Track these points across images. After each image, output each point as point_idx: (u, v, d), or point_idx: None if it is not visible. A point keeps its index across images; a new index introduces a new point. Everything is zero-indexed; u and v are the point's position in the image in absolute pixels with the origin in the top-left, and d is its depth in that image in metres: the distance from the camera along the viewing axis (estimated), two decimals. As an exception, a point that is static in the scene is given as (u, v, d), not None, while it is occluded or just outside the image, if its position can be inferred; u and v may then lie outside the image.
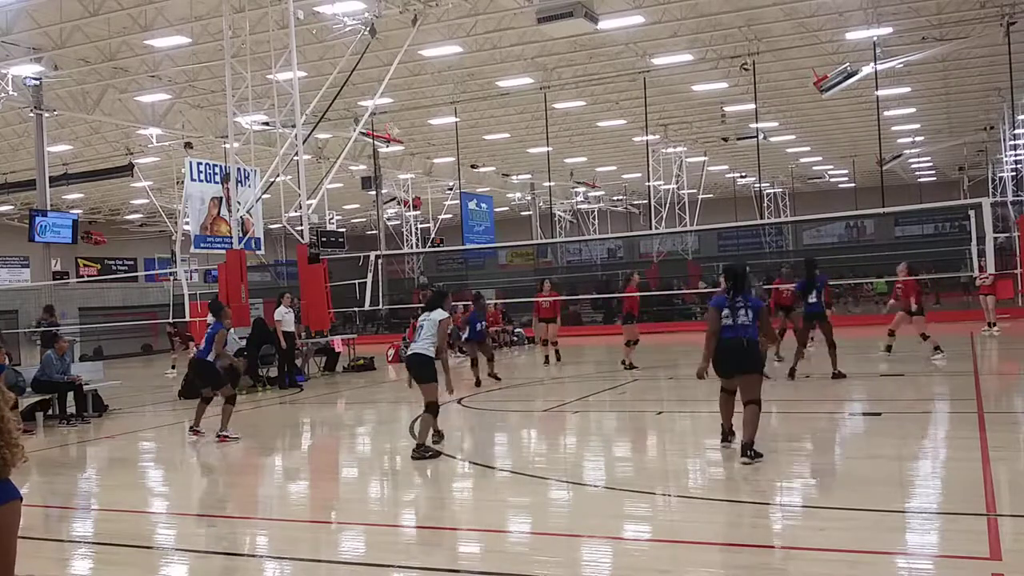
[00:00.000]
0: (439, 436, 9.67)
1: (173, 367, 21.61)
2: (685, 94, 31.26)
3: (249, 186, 20.42)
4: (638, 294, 18.42)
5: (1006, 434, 9.04)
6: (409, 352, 9.64)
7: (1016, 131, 34.49)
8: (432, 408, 9.21)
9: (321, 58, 24.09)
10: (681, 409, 12.74)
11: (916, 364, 16.79)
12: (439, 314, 9.49)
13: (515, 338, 25.92)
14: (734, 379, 8.52)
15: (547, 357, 19.04)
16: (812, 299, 14.53)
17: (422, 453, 8.99)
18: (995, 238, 16.84)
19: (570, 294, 32.10)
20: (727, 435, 8.78)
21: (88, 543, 6.78)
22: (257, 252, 22.31)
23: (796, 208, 53.46)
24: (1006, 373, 15.50)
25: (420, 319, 9.73)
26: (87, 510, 8.13)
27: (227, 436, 10.90)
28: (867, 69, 24.50)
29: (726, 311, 8.43)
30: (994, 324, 20.50)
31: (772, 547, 5.65)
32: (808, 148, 44.36)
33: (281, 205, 20.17)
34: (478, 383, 15.36)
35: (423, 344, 9.38)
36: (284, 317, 17.09)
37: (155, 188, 36.36)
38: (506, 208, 49.89)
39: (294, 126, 18.96)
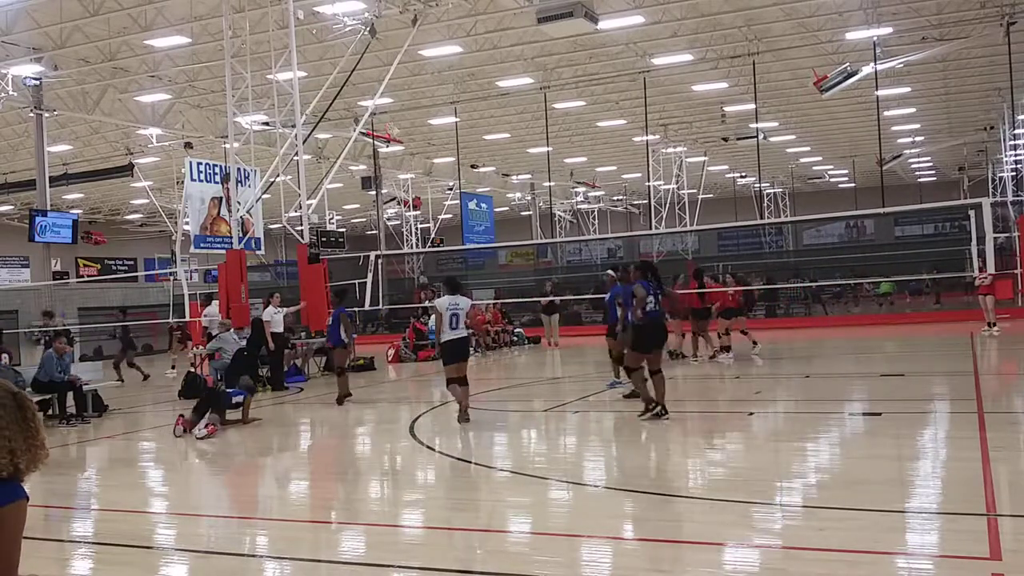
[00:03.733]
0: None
1: (173, 367, 21.61)
2: (685, 94, 31.26)
3: (249, 186, 20.42)
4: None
5: (1006, 434, 9.04)
6: (459, 337, 11.17)
7: (1016, 131, 34.50)
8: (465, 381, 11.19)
9: (321, 58, 24.09)
10: (681, 409, 12.73)
11: (916, 364, 16.81)
12: (468, 301, 11.52)
13: (515, 338, 25.94)
14: (651, 354, 10.45)
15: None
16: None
17: (467, 416, 11.05)
18: (995, 238, 16.85)
19: (573, 294, 32.22)
20: (661, 409, 10.37)
21: (88, 543, 6.78)
22: (257, 252, 22.31)
23: (796, 208, 53.45)
24: (1006, 373, 15.50)
25: (451, 306, 11.11)
26: (87, 510, 8.13)
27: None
28: (867, 69, 24.50)
29: (650, 297, 10.39)
30: (994, 324, 20.51)
31: (772, 547, 5.64)
32: (808, 148, 44.36)
33: (281, 205, 20.17)
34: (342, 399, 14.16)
35: (464, 329, 11.28)
36: (273, 318, 16.87)
37: (155, 188, 36.37)
38: (506, 208, 49.89)
39: (294, 126, 18.96)
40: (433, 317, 12.47)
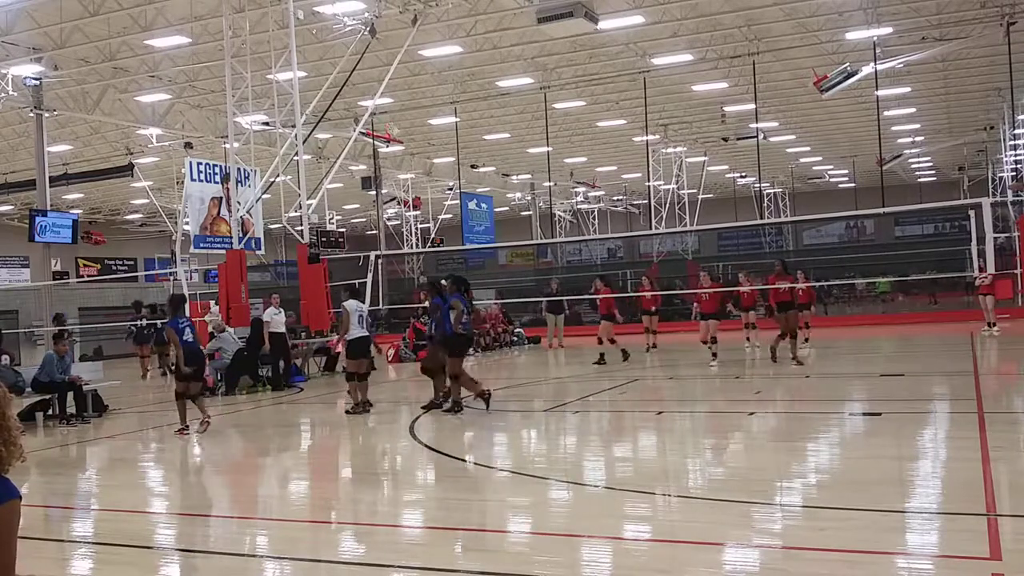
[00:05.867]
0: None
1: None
2: (685, 94, 31.26)
3: (249, 186, 20.42)
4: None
5: (1006, 434, 9.04)
6: (363, 335, 12.70)
7: (1016, 131, 34.48)
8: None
9: (321, 58, 24.09)
10: (681, 409, 12.74)
11: (916, 364, 16.81)
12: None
13: (515, 338, 25.94)
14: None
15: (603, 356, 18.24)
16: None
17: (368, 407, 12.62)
18: (995, 238, 16.84)
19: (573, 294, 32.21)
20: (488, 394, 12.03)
21: (88, 543, 6.78)
22: (257, 252, 22.29)
23: (796, 208, 53.44)
24: (1006, 373, 15.49)
25: (358, 308, 12.73)
26: (87, 510, 8.13)
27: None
28: (867, 69, 24.49)
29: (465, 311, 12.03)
30: (994, 324, 20.52)
31: (772, 547, 5.64)
32: (808, 148, 44.35)
33: (281, 205, 20.18)
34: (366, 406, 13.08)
35: (367, 330, 12.87)
36: (273, 318, 16.96)
37: (155, 188, 36.35)
38: (506, 208, 49.88)
39: (294, 126, 18.96)
40: (343, 317, 12.93)
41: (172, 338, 11.63)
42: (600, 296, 18.82)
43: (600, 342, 18.35)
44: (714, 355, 16.97)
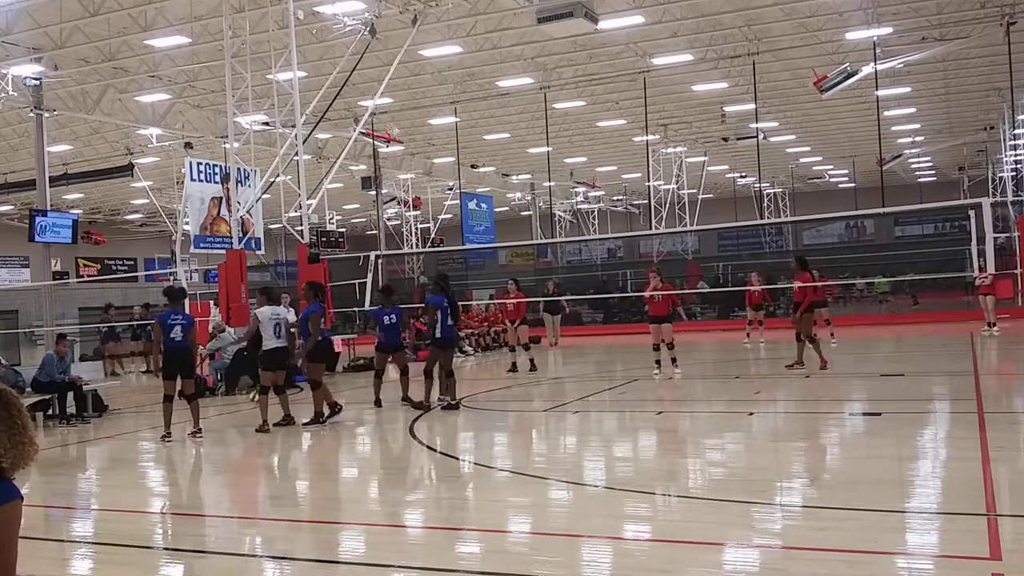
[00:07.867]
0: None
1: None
2: (685, 94, 31.24)
3: (249, 186, 20.41)
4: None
5: (1006, 434, 9.05)
6: (280, 346, 12.02)
7: (1016, 131, 34.48)
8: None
9: (321, 58, 24.08)
10: (681, 409, 12.74)
11: (916, 364, 16.81)
12: (286, 311, 13.10)
13: (515, 338, 25.89)
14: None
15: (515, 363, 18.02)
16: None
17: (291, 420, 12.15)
18: (995, 238, 16.84)
19: (573, 294, 32.22)
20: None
21: (88, 543, 6.78)
22: (257, 252, 22.28)
23: (796, 208, 53.43)
24: (1006, 373, 15.50)
25: (273, 316, 12.04)
26: (87, 510, 8.13)
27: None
28: (867, 69, 24.48)
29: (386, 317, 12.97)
30: (994, 324, 20.52)
31: (772, 547, 5.64)
32: (808, 148, 44.34)
33: (281, 205, 20.16)
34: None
35: (284, 340, 12.15)
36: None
37: (155, 188, 36.33)
38: (506, 208, 49.87)
39: (294, 126, 18.96)
40: (255, 326, 12.21)
41: (156, 332, 11.17)
42: (512, 300, 18.46)
43: (513, 349, 18.30)
44: (658, 363, 15.10)
